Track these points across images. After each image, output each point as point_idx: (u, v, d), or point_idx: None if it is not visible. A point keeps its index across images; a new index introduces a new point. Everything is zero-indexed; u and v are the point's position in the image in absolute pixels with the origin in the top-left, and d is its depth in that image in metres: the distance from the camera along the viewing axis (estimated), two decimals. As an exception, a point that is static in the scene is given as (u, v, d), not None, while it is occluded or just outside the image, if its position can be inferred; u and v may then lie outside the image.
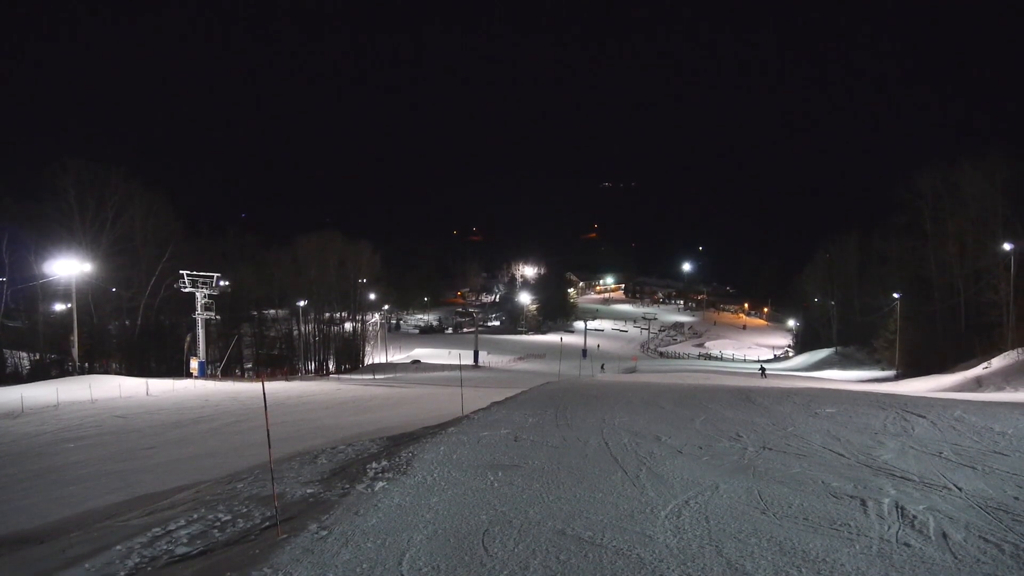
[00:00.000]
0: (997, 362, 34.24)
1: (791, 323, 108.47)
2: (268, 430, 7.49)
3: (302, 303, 68.67)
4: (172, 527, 7.11)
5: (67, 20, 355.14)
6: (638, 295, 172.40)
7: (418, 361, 70.96)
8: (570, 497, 6.72)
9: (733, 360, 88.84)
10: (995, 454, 8.64)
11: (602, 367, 59.07)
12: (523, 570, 4.74)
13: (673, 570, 4.65)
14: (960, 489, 6.79)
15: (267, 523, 6.75)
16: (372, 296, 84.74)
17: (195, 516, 7.47)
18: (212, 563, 5.71)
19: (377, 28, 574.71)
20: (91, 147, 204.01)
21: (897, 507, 6.11)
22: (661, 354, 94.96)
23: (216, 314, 51.69)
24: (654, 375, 47.03)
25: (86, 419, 23.46)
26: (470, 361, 65.54)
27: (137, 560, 6.18)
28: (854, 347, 71.08)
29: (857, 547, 5.08)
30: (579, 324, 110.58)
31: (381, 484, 7.46)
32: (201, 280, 48.14)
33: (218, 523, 7.13)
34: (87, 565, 6.16)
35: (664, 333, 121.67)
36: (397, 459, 8.84)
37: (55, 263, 42.05)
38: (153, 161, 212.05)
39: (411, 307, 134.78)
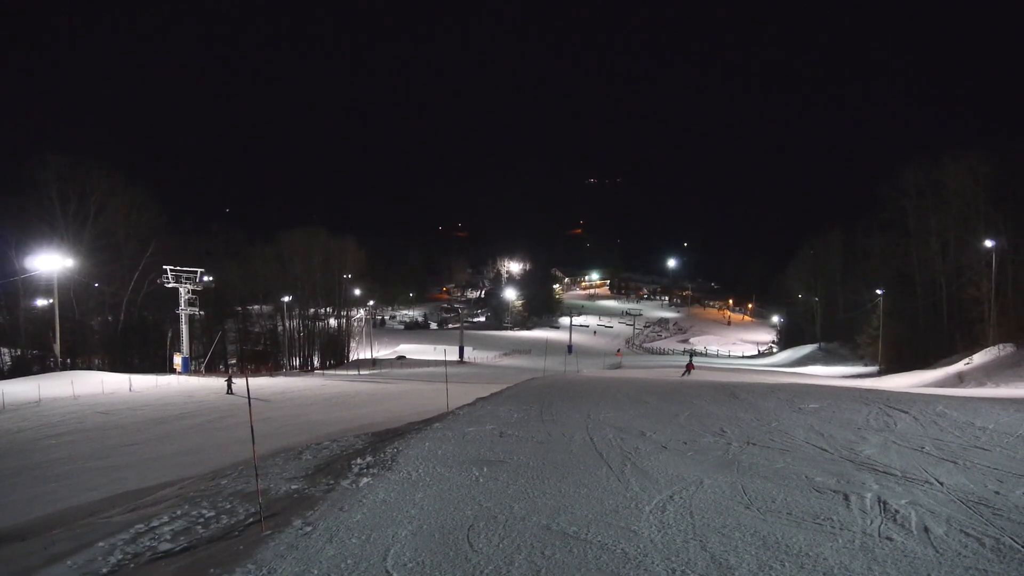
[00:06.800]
0: (979, 358, 34.59)
1: (775, 319, 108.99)
2: (252, 426, 7.45)
3: (287, 299, 68.43)
4: (155, 524, 7.06)
5: (46, 15, 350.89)
6: (623, 291, 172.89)
7: (403, 357, 70.88)
8: (555, 492, 6.73)
9: (717, 356, 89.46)
10: (976, 449, 8.72)
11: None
12: (508, 565, 4.74)
13: (657, 565, 4.67)
14: (942, 484, 6.86)
15: (251, 519, 6.72)
16: (357, 292, 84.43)
17: (178, 512, 7.43)
18: (195, 560, 5.68)
19: (361, 24, 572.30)
20: (73, 142, 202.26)
21: (879, 501, 6.16)
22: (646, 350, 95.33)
23: (200, 310, 51.32)
24: (639, 371, 47.14)
25: (68, 415, 23.32)
26: (455, 357, 65.59)
27: (120, 557, 6.13)
28: (838, 343, 71.49)
29: (840, 541, 5.12)
30: (564, 320, 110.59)
31: (366, 480, 7.44)
32: (184, 276, 47.77)
33: (202, 519, 7.09)
34: (69, 562, 6.11)
35: (649, 329, 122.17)
36: (382, 455, 8.82)
37: (37, 258, 41.60)
38: (136, 156, 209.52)
39: (396, 303, 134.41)
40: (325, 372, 59.68)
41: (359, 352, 76.13)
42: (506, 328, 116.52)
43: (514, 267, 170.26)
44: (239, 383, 32.77)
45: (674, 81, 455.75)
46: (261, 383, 37.20)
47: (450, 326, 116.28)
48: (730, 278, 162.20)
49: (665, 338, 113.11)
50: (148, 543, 6.45)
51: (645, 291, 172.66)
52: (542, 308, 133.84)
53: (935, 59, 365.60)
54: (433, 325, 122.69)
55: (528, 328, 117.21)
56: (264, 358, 65.95)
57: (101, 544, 6.54)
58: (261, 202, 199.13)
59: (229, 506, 7.55)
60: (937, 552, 4.87)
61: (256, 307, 73.26)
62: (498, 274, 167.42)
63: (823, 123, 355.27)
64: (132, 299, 52.56)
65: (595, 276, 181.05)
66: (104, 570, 5.88)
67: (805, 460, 8.14)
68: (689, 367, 41.87)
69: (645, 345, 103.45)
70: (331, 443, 11.45)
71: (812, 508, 6.03)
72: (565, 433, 10.25)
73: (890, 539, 5.15)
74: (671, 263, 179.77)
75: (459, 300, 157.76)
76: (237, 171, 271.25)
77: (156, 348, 53.42)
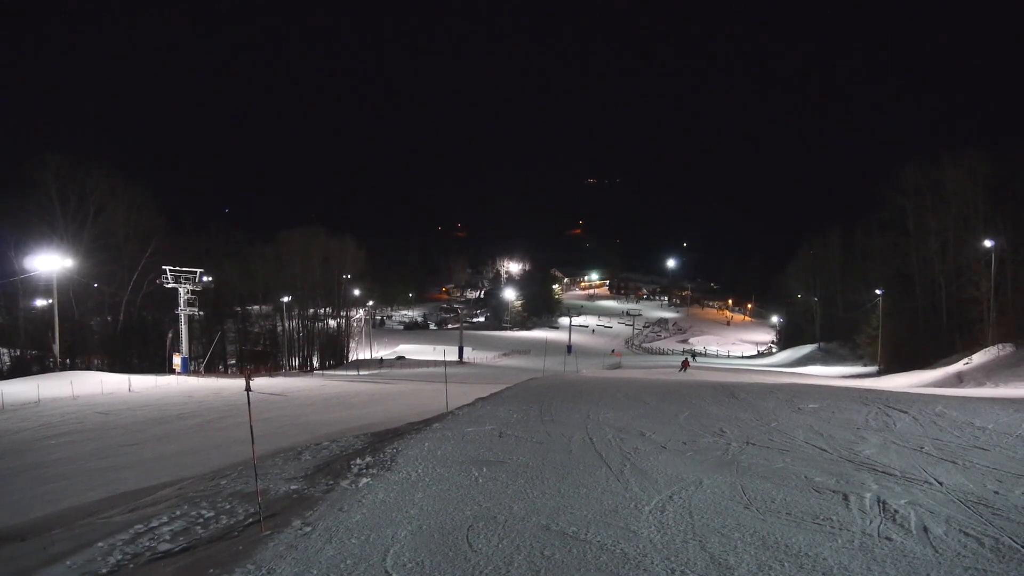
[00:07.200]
0: (978, 358, 34.58)
1: (775, 319, 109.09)
2: (251, 426, 7.45)
3: (286, 299, 68.44)
4: (155, 524, 7.05)
5: (46, 15, 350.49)
6: (623, 291, 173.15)
7: (403, 357, 70.94)
8: (554, 493, 6.72)
9: (717, 356, 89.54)
10: (976, 449, 8.72)
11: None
12: (507, 566, 4.74)
13: (657, 565, 4.67)
14: (941, 484, 6.85)
15: (250, 520, 6.72)
16: (356, 292, 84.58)
17: (178, 513, 7.42)
18: (195, 560, 5.67)
19: (360, 24, 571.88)
20: (73, 142, 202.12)
21: (879, 501, 6.15)
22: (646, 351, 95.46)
23: (199, 310, 51.33)
24: (639, 371, 47.16)
25: (68, 416, 23.30)
26: (455, 357, 65.63)
27: (119, 557, 6.13)
28: (837, 343, 71.56)
29: (839, 541, 5.12)
30: (564, 320, 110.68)
31: (365, 480, 7.44)
32: (184, 276, 47.74)
33: (201, 520, 7.08)
34: (69, 563, 6.10)
35: (648, 329, 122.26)
36: (381, 455, 8.81)
37: (36, 258, 41.63)
38: (135, 155, 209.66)
39: (396, 303, 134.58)
40: (324, 372, 59.71)
41: (358, 352, 76.23)
42: (505, 328, 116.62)
43: (513, 267, 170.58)
44: (257, 381, 33.36)
45: (674, 81, 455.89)
46: (262, 383, 37.24)
47: (449, 326, 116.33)
48: (729, 278, 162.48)
49: (664, 338, 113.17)
50: (147, 543, 6.45)
51: (644, 291, 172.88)
52: (541, 308, 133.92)
53: (935, 59, 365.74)
54: (432, 325, 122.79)
55: (527, 328, 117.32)
56: (263, 358, 65.96)
57: (100, 544, 6.54)
58: (261, 202, 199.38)
59: (228, 506, 7.54)
60: (936, 552, 4.87)
61: (255, 307, 73.39)
62: (497, 274, 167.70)
63: (823, 123, 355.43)
64: (131, 299, 52.62)
65: (594, 276, 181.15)
66: (103, 570, 5.88)
67: (804, 460, 8.14)
68: (685, 364, 45.87)
69: (644, 345, 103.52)
70: (330, 443, 11.44)
71: (811, 508, 6.02)
72: (564, 433, 10.24)
73: (889, 539, 5.15)
74: (670, 263, 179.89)
75: (458, 300, 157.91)
76: (237, 171, 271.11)
77: (155, 348, 53.44)
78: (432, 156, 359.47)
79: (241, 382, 31.18)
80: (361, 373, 52.08)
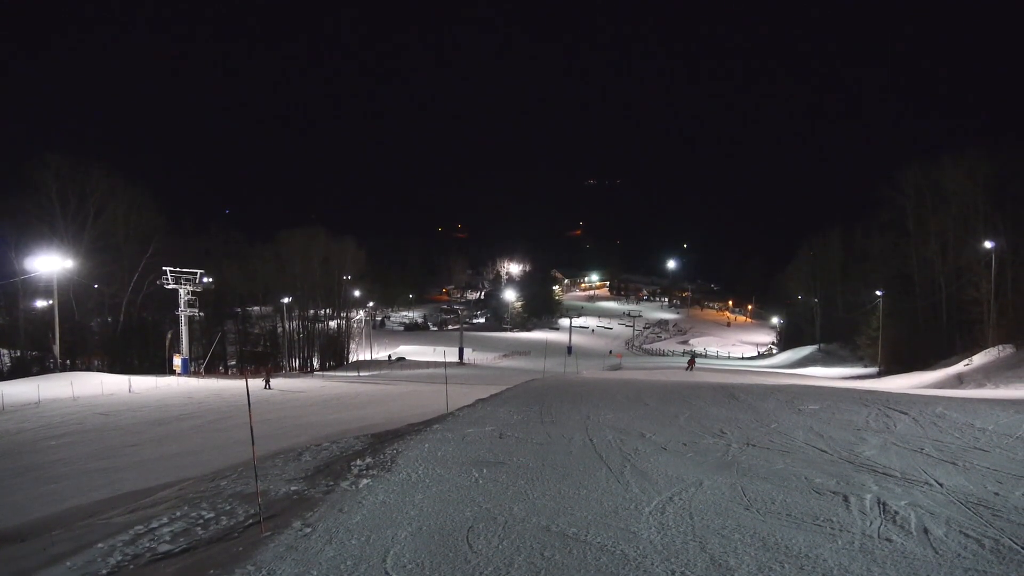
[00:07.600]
0: (978, 359, 34.56)
1: (775, 320, 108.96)
2: (252, 427, 7.44)
3: (286, 300, 68.39)
4: (155, 525, 7.06)
5: (46, 15, 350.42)
6: (623, 292, 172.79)
7: (403, 358, 70.89)
8: (555, 494, 6.72)
9: (717, 357, 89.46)
10: (976, 450, 8.71)
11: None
12: (508, 567, 4.74)
13: (657, 566, 4.66)
14: (941, 485, 6.85)
15: (251, 520, 6.72)
16: (357, 293, 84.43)
17: (178, 514, 7.42)
18: (195, 561, 5.67)
19: (361, 25, 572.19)
20: (73, 142, 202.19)
21: (879, 503, 6.15)
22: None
23: (199, 311, 51.37)
24: (639, 372, 47.12)
25: (68, 416, 23.30)
26: (455, 358, 65.58)
27: (119, 558, 6.13)
28: (837, 344, 71.47)
29: (839, 542, 5.12)
30: (564, 321, 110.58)
31: (365, 481, 7.44)
32: (184, 276, 47.81)
33: (201, 521, 7.08)
34: (69, 563, 6.11)
35: (649, 330, 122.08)
36: (382, 456, 8.81)
37: (36, 259, 41.59)
38: (135, 155, 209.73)
39: (396, 304, 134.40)
40: (325, 373, 59.69)
41: (359, 353, 76.18)
42: (506, 329, 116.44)
43: (514, 268, 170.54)
44: (275, 381, 36.74)
45: (673, 82, 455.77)
46: (278, 382, 37.57)
47: (450, 327, 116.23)
48: (730, 279, 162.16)
49: (665, 339, 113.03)
50: (147, 544, 6.45)
51: (645, 292, 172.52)
52: (542, 309, 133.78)
53: (935, 59, 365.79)
54: (432, 326, 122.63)
55: (528, 329, 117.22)
56: (264, 359, 65.92)
57: (100, 545, 6.54)
58: (261, 202, 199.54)
59: (229, 507, 7.54)
60: (936, 553, 4.87)
61: (256, 308, 73.36)
62: (498, 275, 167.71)
63: (823, 124, 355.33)
64: (132, 300, 52.57)
65: (595, 277, 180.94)
66: (103, 571, 5.88)
67: (805, 461, 8.13)
68: (691, 363, 49.00)
69: (645, 346, 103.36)
70: (331, 444, 11.44)
71: (812, 509, 6.02)
72: (565, 434, 10.23)
73: (889, 540, 5.15)
74: (671, 264, 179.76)
75: (459, 301, 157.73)
76: (237, 171, 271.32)
77: (156, 349, 53.43)
78: (432, 156, 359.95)
79: (242, 383, 31.56)
80: (361, 374, 52.07)
